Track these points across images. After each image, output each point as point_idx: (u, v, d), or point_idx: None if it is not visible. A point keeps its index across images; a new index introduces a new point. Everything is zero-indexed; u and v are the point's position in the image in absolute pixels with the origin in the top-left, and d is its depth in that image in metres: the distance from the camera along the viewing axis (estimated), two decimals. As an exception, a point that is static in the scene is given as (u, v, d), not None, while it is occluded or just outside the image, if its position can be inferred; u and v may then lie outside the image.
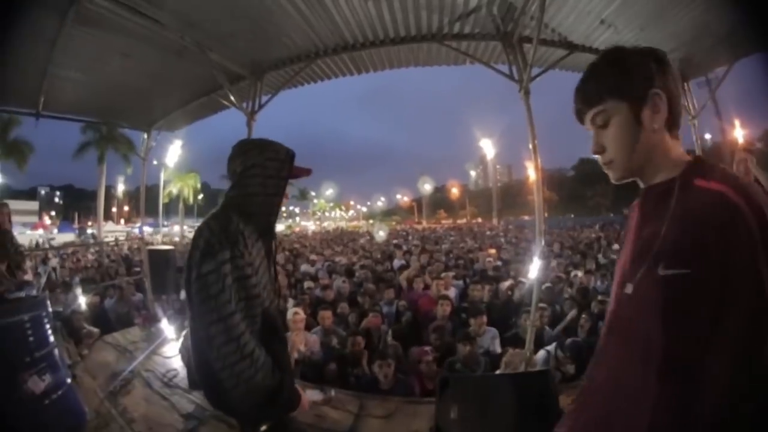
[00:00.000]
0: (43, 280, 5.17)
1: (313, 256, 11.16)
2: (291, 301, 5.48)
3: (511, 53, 4.50)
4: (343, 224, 42.80)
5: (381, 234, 11.79)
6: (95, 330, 4.52)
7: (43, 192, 37.44)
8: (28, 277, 5.68)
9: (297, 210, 48.06)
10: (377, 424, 3.03)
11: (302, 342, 4.07)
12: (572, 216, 34.39)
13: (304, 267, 9.43)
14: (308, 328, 4.54)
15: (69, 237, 26.53)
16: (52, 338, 2.63)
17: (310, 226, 41.55)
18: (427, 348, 3.92)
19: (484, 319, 4.28)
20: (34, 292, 2.68)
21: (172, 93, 5.81)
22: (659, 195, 0.89)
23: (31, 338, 2.44)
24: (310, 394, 3.28)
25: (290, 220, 43.85)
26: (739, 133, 9.08)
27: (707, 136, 24.49)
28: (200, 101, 6.01)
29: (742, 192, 0.75)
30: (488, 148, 30.36)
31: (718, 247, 0.72)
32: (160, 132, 7.19)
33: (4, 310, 2.40)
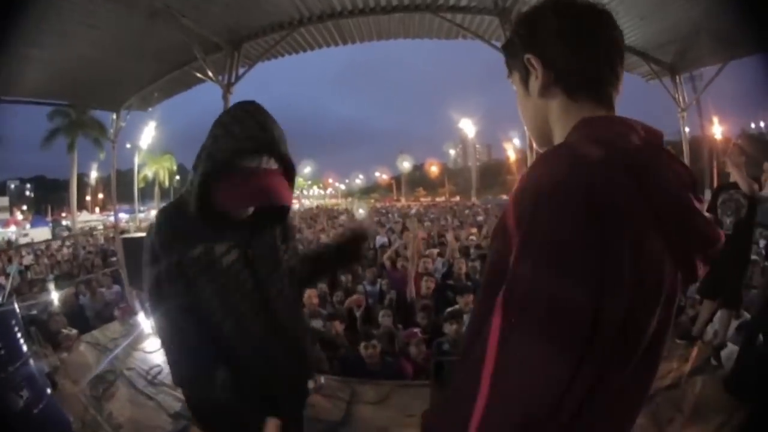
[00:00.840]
0: (9, 283, 4.92)
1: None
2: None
3: (508, 29, 4.35)
4: (322, 202, 42.63)
5: (361, 212, 11.61)
6: (73, 332, 4.35)
7: (12, 186, 35.92)
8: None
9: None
10: (371, 410, 3.00)
11: None
12: None
13: None
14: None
15: (43, 231, 25.69)
16: (25, 348, 2.48)
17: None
18: (416, 330, 3.89)
19: (471, 297, 4.25)
20: None
21: (142, 67, 5.42)
22: None
23: (1, 352, 2.29)
24: None
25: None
26: (717, 129, 9.34)
27: (687, 129, 25.71)
28: (173, 75, 5.63)
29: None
30: (468, 127, 30.31)
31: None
32: (130, 112, 6.79)
33: None
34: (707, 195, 4.05)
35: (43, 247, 14.60)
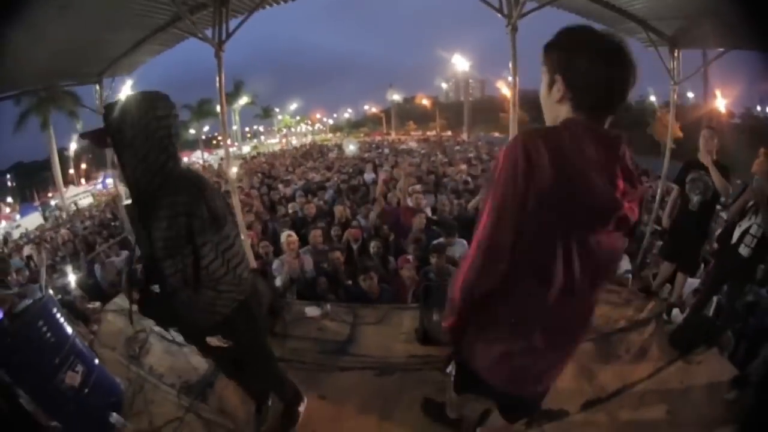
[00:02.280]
0: (42, 273, 5.15)
1: (287, 176, 11.20)
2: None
3: None
4: (309, 138, 41.82)
5: (351, 148, 11.47)
6: (97, 304, 4.70)
7: None
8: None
9: (261, 129, 46.35)
10: (371, 329, 3.54)
11: (297, 264, 4.37)
12: None
13: (281, 188, 9.45)
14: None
15: (34, 217, 25.44)
16: (69, 329, 2.72)
17: (276, 144, 40.49)
18: (409, 257, 4.31)
19: (455, 233, 4.65)
20: (38, 294, 2.68)
21: (122, 36, 5.17)
22: None
23: (52, 339, 2.54)
24: (309, 311, 3.76)
25: (255, 140, 42.32)
26: (720, 103, 9.17)
27: (690, 94, 23.77)
28: (156, 37, 5.41)
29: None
30: (462, 63, 29.09)
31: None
32: (114, 79, 6.59)
33: (21, 325, 2.46)
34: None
35: (37, 233, 14.69)
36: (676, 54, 5.42)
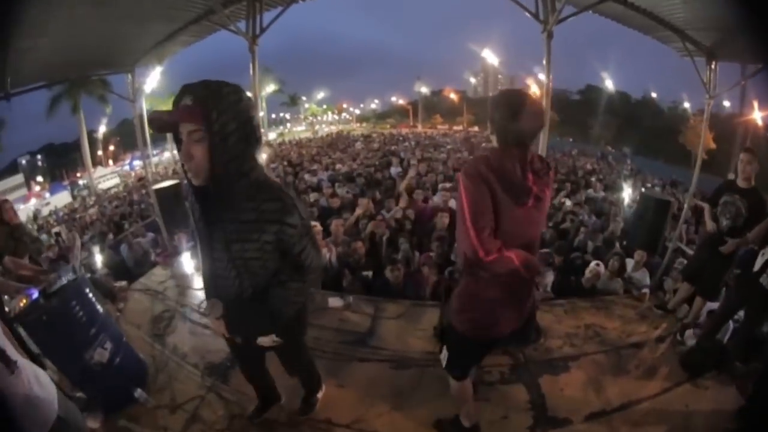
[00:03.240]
0: (76, 254, 5.22)
1: (313, 166, 11.28)
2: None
3: None
4: (335, 128, 41.20)
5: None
6: (124, 283, 4.83)
7: (24, 162, 36.02)
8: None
9: (287, 116, 46.59)
10: (391, 323, 3.60)
11: (326, 249, 4.41)
12: (570, 140, 32.93)
13: (307, 177, 9.54)
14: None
15: (63, 196, 26.16)
16: (100, 308, 2.83)
17: (302, 132, 40.44)
18: (432, 254, 4.35)
19: None
20: (71, 275, 2.71)
21: (155, 29, 5.20)
22: None
23: (84, 319, 2.63)
24: (332, 302, 3.82)
25: (281, 127, 42.34)
26: (758, 115, 8.80)
27: (726, 103, 25.03)
28: (189, 29, 5.43)
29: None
30: (491, 57, 28.81)
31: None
32: (147, 68, 6.72)
33: (56, 303, 2.51)
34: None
35: (66, 211, 15.15)
36: (713, 66, 5.18)
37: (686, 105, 32.59)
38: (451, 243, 4.58)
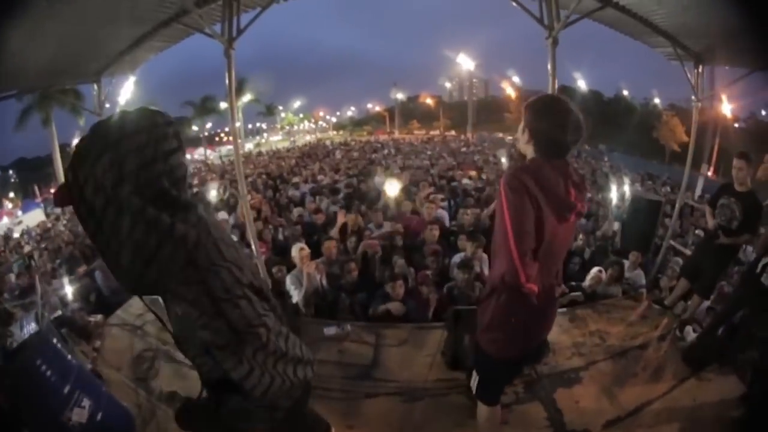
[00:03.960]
0: (39, 301, 4.70)
1: (294, 179, 10.84)
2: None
3: None
4: (312, 137, 40.95)
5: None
6: (99, 317, 4.46)
7: None
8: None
9: (264, 126, 46.24)
10: (395, 352, 3.38)
11: (317, 277, 4.07)
12: None
13: (291, 191, 9.13)
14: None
15: (36, 214, 25.17)
16: (72, 359, 2.54)
17: (279, 141, 40.23)
18: (428, 272, 4.16)
19: (477, 245, 4.45)
20: (33, 325, 2.37)
21: (121, 32, 4.85)
22: None
23: (54, 377, 2.31)
24: (328, 331, 3.58)
25: (257, 137, 41.97)
26: (726, 107, 9.14)
27: (693, 97, 24.53)
28: (159, 33, 5.10)
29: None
30: (466, 62, 29.07)
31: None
32: (114, 78, 6.28)
33: (20, 364, 2.22)
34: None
35: (38, 230, 14.38)
36: (700, 70, 5.29)
37: (657, 101, 33.73)
38: (446, 256, 4.44)
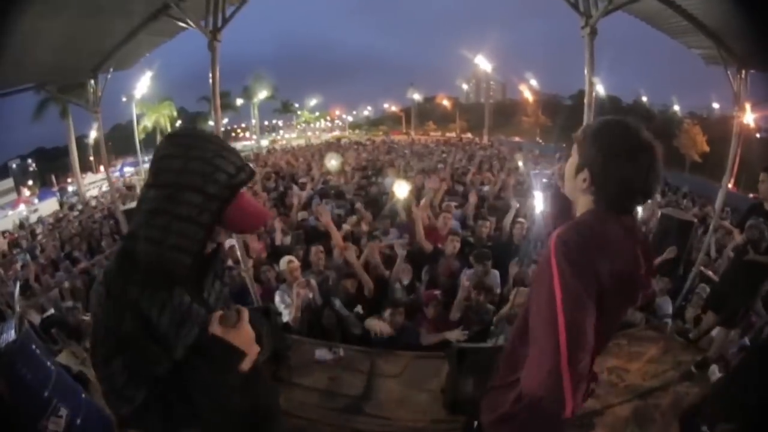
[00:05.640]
0: (16, 314, 4.60)
1: (303, 179, 10.09)
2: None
3: None
4: (329, 135, 41.03)
5: (333, 164, 9.82)
6: (92, 316, 4.34)
7: (14, 165, 35.29)
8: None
9: (280, 123, 46.77)
10: (390, 384, 3.06)
11: (308, 293, 3.70)
12: (563, 145, 33.72)
13: (296, 190, 8.61)
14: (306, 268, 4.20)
15: (52, 202, 25.63)
16: (51, 366, 2.47)
17: (295, 139, 40.60)
18: (436, 292, 3.80)
19: (489, 265, 4.10)
20: (12, 334, 2.35)
21: (112, 27, 4.82)
22: None
23: (30, 384, 2.30)
24: (319, 354, 3.28)
25: (273, 134, 42.11)
26: (749, 117, 9.01)
27: (715, 105, 27.21)
28: (149, 28, 5.03)
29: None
30: (484, 63, 28.93)
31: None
32: (111, 74, 6.18)
33: None
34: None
35: (51, 220, 14.44)
36: (743, 75, 4.83)
37: (676, 108, 33.35)
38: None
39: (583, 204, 1.25)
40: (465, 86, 51.66)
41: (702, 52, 5.09)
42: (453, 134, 37.48)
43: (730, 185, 5.31)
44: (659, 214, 5.61)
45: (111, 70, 6.08)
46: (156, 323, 1.07)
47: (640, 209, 6.32)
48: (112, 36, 5.13)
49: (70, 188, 28.69)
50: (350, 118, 51.79)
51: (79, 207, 16.83)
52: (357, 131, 47.09)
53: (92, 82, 5.99)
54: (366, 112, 52.89)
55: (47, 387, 2.35)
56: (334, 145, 25.01)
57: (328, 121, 49.02)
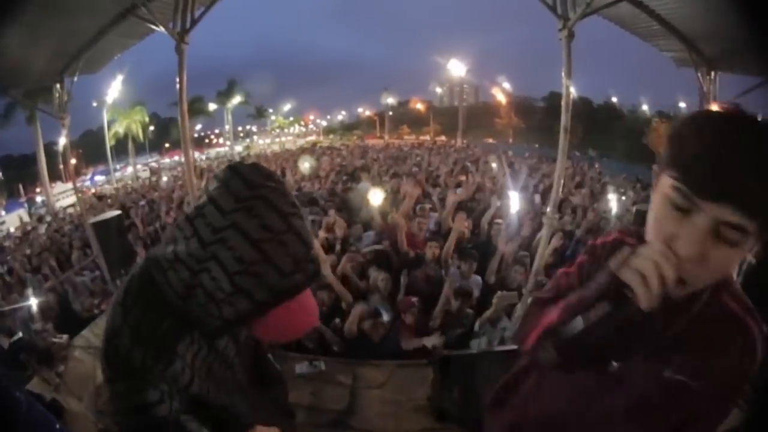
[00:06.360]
0: None
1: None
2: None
3: None
4: (303, 141, 40.78)
5: (307, 166, 9.95)
6: (64, 338, 4.14)
7: None
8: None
9: (254, 129, 46.45)
10: (374, 395, 3.01)
11: None
12: (537, 146, 32.88)
13: None
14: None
15: (20, 213, 24.57)
16: (20, 397, 2.29)
17: (269, 145, 40.35)
18: (414, 299, 3.74)
19: (474, 266, 4.14)
20: None
21: (78, 25, 4.64)
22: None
23: None
24: (299, 368, 3.19)
25: (247, 140, 41.59)
26: None
27: (682, 104, 24.59)
28: (118, 29, 4.84)
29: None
30: (458, 68, 29.41)
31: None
32: (78, 77, 5.99)
33: None
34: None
35: (19, 234, 13.90)
36: (712, 76, 5.10)
37: (645, 108, 35.12)
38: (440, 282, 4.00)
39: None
40: (439, 90, 52.11)
41: (673, 54, 5.36)
42: (427, 137, 38.02)
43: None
44: (634, 210, 5.74)
45: (77, 73, 5.90)
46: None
47: (614, 206, 6.50)
48: (78, 36, 4.98)
49: (39, 198, 27.56)
50: (324, 123, 51.50)
51: (48, 219, 16.16)
52: (331, 136, 46.76)
53: (58, 85, 5.79)
54: (340, 117, 52.68)
55: (18, 420, 2.22)
56: (308, 150, 24.89)
57: (303, 126, 48.75)
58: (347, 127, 51.32)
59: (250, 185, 0.86)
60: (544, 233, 4.26)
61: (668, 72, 6.03)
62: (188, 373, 1.00)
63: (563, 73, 4.12)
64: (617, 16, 5.11)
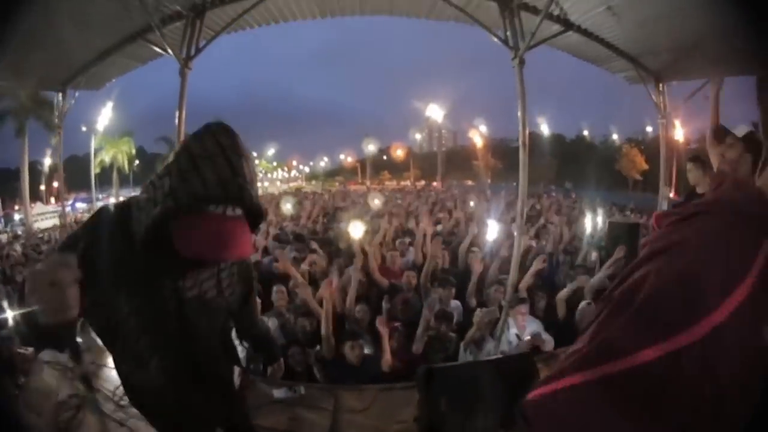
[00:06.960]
0: None
1: (261, 226, 10.09)
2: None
3: (508, 17, 4.39)
4: (286, 186, 41.35)
5: (288, 207, 9.88)
6: (30, 350, 3.99)
7: None
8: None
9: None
10: (357, 419, 2.88)
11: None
12: (514, 184, 35.65)
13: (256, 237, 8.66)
14: (266, 309, 4.05)
15: (-4, 229, 23.70)
16: None
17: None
18: (397, 324, 3.70)
19: (453, 291, 4.16)
20: None
21: (89, 38, 4.80)
22: None
23: None
24: (278, 393, 3.06)
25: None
26: (679, 132, 10.06)
27: (649, 128, 28.77)
28: (126, 49, 5.08)
29: None
30: (436, 113, 30.53)
31: None
32: (78, 91, 6.04)
33: None
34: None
35: (-7, 249, 13.39)
36: (661, 87, 5.70)
37: (615, 137, 37.85)
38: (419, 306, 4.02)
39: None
40: (418, 136, 53.83)
41: (625, 74, 5.80)
42: (407, 182, 38.53)
43: (671, 194, 5.88)
44: (607, 224, 5.91)
45: (80, 87, 6.01)
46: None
47: (588, 227, 6.75)
48: (87, 49, 5.11)
49: (17, 216, 26.64)
50: (307, 169, 52.28)
51: (22, 241, 15.66)
52: (314, 182, 47.06)
53: (60, 95, 5.86)
54: (322, 163, 53.66)
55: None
56: (292, 194, 24.99)
57: (286, 171, 49.23)
58: (329, 173, 52.15)
59: (207, 129, 1.12)
60: (516, 243, 4.41)
61: (633, 100, 6.66)
62: (133, 321, 1.19)
63: (519, 102, 4.36)
64: (567, 45, 5.44)
